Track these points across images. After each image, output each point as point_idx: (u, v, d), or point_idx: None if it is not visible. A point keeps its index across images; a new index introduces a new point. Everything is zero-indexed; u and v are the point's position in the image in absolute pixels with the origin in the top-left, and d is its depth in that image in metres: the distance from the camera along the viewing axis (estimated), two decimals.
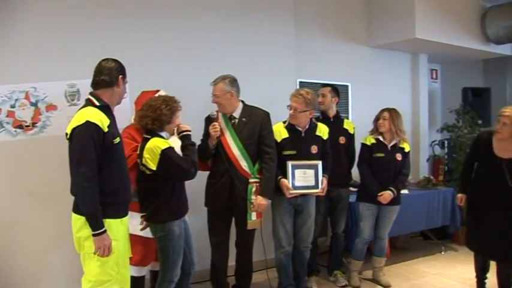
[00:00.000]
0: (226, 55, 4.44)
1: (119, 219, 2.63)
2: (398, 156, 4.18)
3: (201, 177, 3.72)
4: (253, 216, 3.59)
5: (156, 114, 2.97)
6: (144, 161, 2.94)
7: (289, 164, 3.70)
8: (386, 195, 4.08)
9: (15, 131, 3.59)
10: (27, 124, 3.62)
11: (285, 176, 3.70)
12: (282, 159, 3.72)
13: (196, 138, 3.73)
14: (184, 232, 3.12)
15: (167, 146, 2.92)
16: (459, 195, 3.96)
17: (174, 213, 3.04)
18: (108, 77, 2.66)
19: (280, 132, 3.80)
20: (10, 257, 3.59)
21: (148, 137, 2.98)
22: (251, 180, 3.59)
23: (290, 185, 3.68)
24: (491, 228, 3.56)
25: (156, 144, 2.90)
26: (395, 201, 4.18)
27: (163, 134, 3.04)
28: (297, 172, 3.71)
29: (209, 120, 3.64)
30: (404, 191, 4.69)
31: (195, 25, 4.34)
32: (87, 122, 2.48)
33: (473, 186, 3.83)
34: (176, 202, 3.06)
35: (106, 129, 2.53)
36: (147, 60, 4.02)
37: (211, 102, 3.63)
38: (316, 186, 3.76)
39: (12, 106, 3.57)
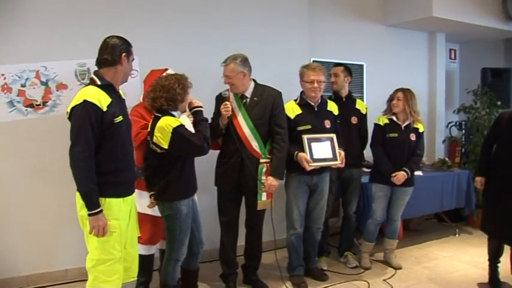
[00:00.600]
0: (238, 34, 4.39)
1: (121, 199, 2.61)
2: (412, 137, 4.10)
3: (212, 156, 3.70)
4: (264, 196, 3.56)
5: (170, 94, 2.94)
6: (155, 140, 2.92)
7: (305, 137, 3.65)
8: (399, 176, 4.01)
9: (26, 110, 3.62)
10: (37, 103, 3.65)
11: (302, 151, 3.65)
12: (296, 134, 3.69)
13: (208, 116, 3.73)
14: (192, 211, 3.11)
15: (178, 123, 2.90)
16: (478, 178, 3.86)
17: (183, 192, 3.04)
18: (110, 55, 2.61)
19: (293, 109, 3.78)
20: (22, 234, 3.66)
21: (159, 115, 2.95)
22: (262, 160, 3.55)
23: (309, 158, 3.63)
24: (507, 211, 3.50)
25: (167, 123, 2.87)
26: (409, 183, 4.12)
27: (175, 113, 3.02)
28: (314, 145, 3.67)
29: (220, 99, 3.59)
30: (418, 173, 4.65)
31: (206, 3, 4.29)
32: (85, 101, 2.46)
33: (491, 168, 3.74)
34: (185, 181, 3.04)
35: (105, 109, 2.50)
36: (158, 38, 4.01)
37: (224, 83, 3.58)
38: (334, 158, 3.72)
39: (23, 85, 3.60)
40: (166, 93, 2.94)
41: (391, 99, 4.17)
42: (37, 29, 3.60)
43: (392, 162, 4.07)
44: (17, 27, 3.54)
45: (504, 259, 3.75)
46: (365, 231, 4.30)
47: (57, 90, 3.68)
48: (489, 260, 3.82)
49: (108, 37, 2.67)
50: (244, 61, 3.55)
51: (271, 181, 3.53)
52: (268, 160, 3.58)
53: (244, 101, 3.60)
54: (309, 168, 3.63)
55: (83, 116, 2.45)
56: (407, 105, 4.06)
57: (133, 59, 2.75)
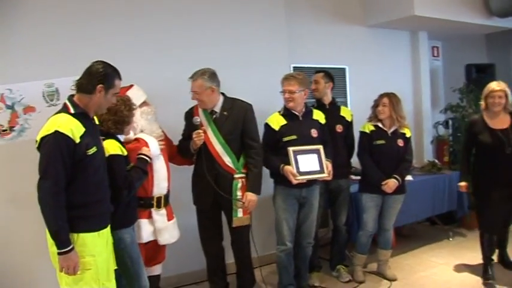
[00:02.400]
0: (213, 43, 4.21)
1: (95, 233, 2.43)
2: (400, 142, 3.97)
3: (188, 172, 3.62)
4: (240, 213, 3.43)
5: (117, 116, 2.80)
6: None
7: (291, 150, 3.50)
8: (390, 184, 3.87)
9: None
10: (4, 128, 3.43)
11: (288, 164, 3.50)
12: (282, 146, 3.56)
13: (178, 135, 3.63)
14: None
15: (118, 152, 2.74)
16: (462, 183, 4.06)
17: (124, 220, 2.82)
18: (85, 81, 2.43)
19: (277, 120, 3.64)
20: (2, 262, 3.46)
21: (103, 138, 2.74)
22: (236, 175, 3.43)
23: (295, 171, 3.47)
24: (499, 207, 3.78)
25: (106, 147, 2.67)
26: (400, 190, 3.98)
27: (120, 136, 2.87)
28: (300, 158, 3.52)
29: (190, 118, 3.45)
30: (408, 177, 4.49)
31: (180, 8, 4.10)
32: (56, 132, 2.27)
33: (474, 169, 3.99)
34: (124, 209, 2.81)
35: (78, 140, 2.32)
36: (125, 51, 3.78)
37: (191, 99, 3.43)
38: (321, 171, 3.57)
39: None
40: (114, 115, 2.79)
41: (376, 105, 4.03)
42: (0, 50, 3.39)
43: (381, 170, 3.93)
44: None
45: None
46: (357, 243, 4.14)
47: (25, 114, 3.46)
48: (485, 257, 3.91)
49: (95, 62, 2.48)
50: (213, 76, 3.40)
51: (250, 197, 3.41)
52: (243, 175, 3.46)
53: (214, 116, 3.46)
54: (295, 182, 3.48)
55: (54, 148, 2.27)
56: (393, 111, 3.92)
57: (116, 93, 2.54)
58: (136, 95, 3.20)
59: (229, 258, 3.75)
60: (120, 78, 2.54)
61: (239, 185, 3.42)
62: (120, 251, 2.76)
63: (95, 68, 2.44)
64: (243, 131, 3.46)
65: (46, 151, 2.29)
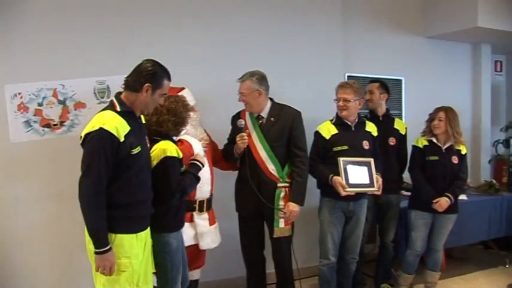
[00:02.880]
0: (267, 48, 4.18)
1: (133, 235, 2.39)
2: (455, 159, 3.78)
3: (232, 178, 3.57)
4: (281, 223, 3.34)
5: (178, 117, 2.74)
6: None
7: (341, 160, 3.39)
8: (442, 202, 3.68)
9: (43, 130, 3.48)
10: (54, 123, 3.50)
11: (337, 175, 3.39)
12: (331, 156, 3.46)
13: (225, 139, 3.59)
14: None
15: (175, 155, 2.65)
16: None
17: (171, 224, 2.76)
18: (132, 80, 2.40)
19: (328, 129, 3.55)
20: (38, 258, 3.52)
21: (158, 138, 2.70)
22: (279, 184, 3.35)
23: (344, 182, 3.36)
24: None
25: (165, 148, 2.63)
26: (452, 210, 3.78)
27: (175, 138, 2.83)
28: (350, 169, 3.41)
29: (236, 123, 3.40)
30: (462, 197, 4.31)
31: (230, 16, 4.08)
32: (101, 129, 2.24)
33: None
34: (174, 213, 2.76)
35: (122, 139, 2.28)
36: (177, 54, 3.77)
37: (238, 101, 3.38)
38: (371, 185, 3.44)
39: (40, 104, 3.46)
40: (174, 116, 2.74)
41: (431, 119, 3.85)
42: (55, 46, 3.46)
43: (433, 187, 3.75)
44: (34, 44, 3.42)
45: None
46: (403, 263, 3.97)
47: (75, 110, 3.53)
48: None
49: (145, 60, 2.46)
50: (262, 79, 3.34)
51: (292, 207, 3.31)
52: (286, 184, 3.37)
53: (260, 121, 3.40)
54: (343, 194, 3.36)
55: (97, 145, 2.24)
56: (449, 126, 3.74)
57: (164, 94, 2.50)
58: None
59: (270, 268, 3.66)
60: (169, 79, 2.50)
61: (282, 194, 3.33)
62: (164, 254, 2.71)
63: (144, 66, 2.42)
64: (289, 139, 3.38)
65: (90, 148, 2.26)
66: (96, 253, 2.26)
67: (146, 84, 2.38)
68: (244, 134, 3.29)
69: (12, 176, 3.44)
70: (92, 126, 2.28)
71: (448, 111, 3.77)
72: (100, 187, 2.23)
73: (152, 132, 2.73)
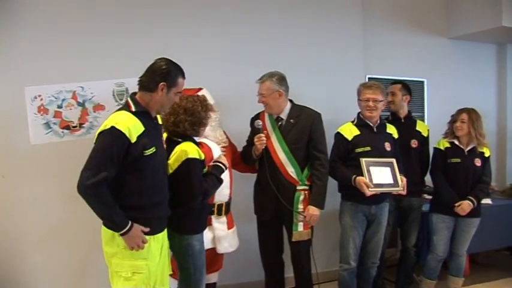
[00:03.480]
0: (286, 49, 4.14)
1: (150, 237, 2.38)
2: (477, 162, 3.70)
3: (251, 180, 3.55)
4: (300, 226, 3.30)
5: (195, 117, 2.70)
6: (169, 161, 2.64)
7: (363, 161, 3.34)
8: (464, 206, 3.60)
9: (62, 131, 3.50)
10: (74, 125, 3.52)
11: (359, 176, 3.33)
12: (353, 158, 3.41)
13: (244, 141, 3.57)
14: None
15: (196, 156, 2.61)
16: None
17: (194, 226, 2.73)
18: (147, 79, 2.39)
19: (350, 130, 3.50)
20: (58, 258, 3.55)
21: (179, 140, 2.67)
22: (299, 187, 3.30)
23: (369, 182, 3.30)
24: None
25: (185, 149, 2.59)
26: (475, 213, 3.69)
27: (196, 138, 2.78)
28: (373, 169, 3.36)
29: (254, 124, 3.37)
30: (487, 201, 4.24)
31: (250, 16, 4.06)
32: (113, 128, 2.23)
33: None
34: (197, 214, 2.73)
35: (134, 139, 2.25)
36: (195, 54, 3.79)
37: (258, 102, 3.35)
38: (396, 184, 3.38)
39: (59, 106, 3.48)
40: (191, 116, 2.70)
41: (453, 121, 3.78)
42: (74, 48, 3.50)
43: (455, 190, 3.68)
44: (54, 47, 3.47)
45: None
46: (425, 268, 3.88)
47: (94, 112, 3.54)
48: None
49: (159, 59, 2.44)
50: (281, 80, 3.31)
51: (312, 211, 3.27)
52: (306, 187, 3.32)
53: (279, 123, 3.36)
54: (369, 193, 3.28)
55: (106, 142, 2.24)
56: (472, 128, 3.66)
57: (179, 92, 2.48)
58: None
59: (289, 272, 3.61)
60: (183, 77, 2.47)
61: (301, 197, 3.29)
62: (187, 256, 2.69)
63: (157, 65, 2.40)
64: (309, 141, 3.33)
65: (97, 144, 2.26)
66: (121, 235, 2.26)
67: (161, 83, 2.36)
68: (262, 134, 3.25)
69: (32, 177, 3.47)
70: (105, 125, 2.28)
71: (471, 112, 3.69)
72: (98, 179, 2.17)
73: (171, 133, 2.71)
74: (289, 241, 3.41)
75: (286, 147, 3.29)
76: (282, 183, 3.29)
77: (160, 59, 2.44)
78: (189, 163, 2.57)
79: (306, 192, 3.31)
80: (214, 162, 2.84)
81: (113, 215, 2.24)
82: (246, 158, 3.44)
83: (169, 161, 2.62)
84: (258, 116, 3.44)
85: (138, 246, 2.29)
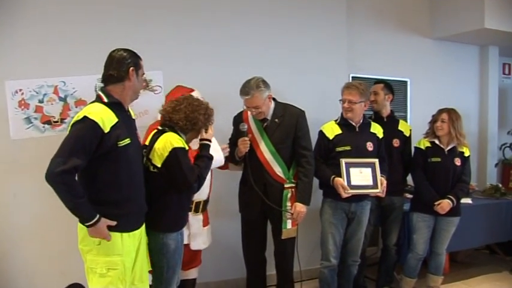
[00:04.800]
0: (270, 49, 4.14)
1: (125, 234, 2.35)
2: (457, 161, 3.74)
3: (235, 178, 3.52)
4: (289, 224, 3.30)
5: (193, 116, 2.66)
6: (151, 155, 2.61)
7: (343, 161, 3.35)
8: (444, 204, 3.64)
9: (44, 126, 3.43)
10: (55, 120, 3.46)
11: (339, 176, 3.35)
12: (334, 156, 3.42)
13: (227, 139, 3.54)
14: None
15: (181, 145, 2.57)
16: None
17: (171, 224, 2.68)
18: (116, 71, 2.38)
19: (332, 129, 3.51)
20: (40, 254, 3.52)
21: (166, 129, 2.64)
22: (286, 185, 3.30)
23: (346, 184, 3.32)
24: None
25: (169, 139, 2.55)
26: (455, 212, 3.74)
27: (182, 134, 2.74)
28: (352, 171, 3.37)
29: (238, 124, 3.35)
30: (467, 200, 4.30)
31: (234, 16, 4.04)
32: (85, 117, 2.22)
33: None
34: (174, 212, 2.68)
35: (107, 130, 2.24)
36: (183, 53, 3.79)
37: (251, 114, 3.32)
38: (374, 186, 3.39)
39: (41, 101, 3.41)
40: (191, 112, 2.67)
41: (434, 120, 3.82)
42: (55, 42, 3.46)
43: (435, 189, 3.72)
44: (35, 41, 3.43)
45: None
46: (405, 266, 3.92)
47: (76, 107, 3.47)
48: None
49: (114, 50, 2.45)
50: (265, 83, 3.27)
51: (299, 208, 3.27)
52: (293, 185, 3.33)
53: (265, 124, 3.34)
54: (344, 196, 3.32)
55: (78, 131, 2.21)
56: (452, 128, 3.71)
57: (143, 73, 2.51)
58: None
59: (270, 270, 3.62)
60: (141, 59, 2.51)
61: (289, 195, 3.29)
62: (161, 255, 2.66)
63: (118, 55, 2.41)
64: (294, 139, 3.33)
65: (70, 133, 2.24)
66: (87, 227, 2.23)
67: (131, 69, 2.39)
68: (246, 138, 3.24)
69: (12, 173, 3.44)
70: (78, 116, 2.27)
71: (451, 112, 3.73)
72: (68, 167, 2.14)
73: (167, 123, 2.67)
74: (274, 238, 3.42)
75: (272, 148, 3.28)
76: (270, 182, 3.28)
77: (114, 50, 2.44)
78: (176, 152, 2.52)
79: (293, 189, 3.31)
80: (200, 141, 2.79)
81: (81, 205, 2.21)
82: (227, 157, 3.39)
83: (156, 147, 2.57)
84: (241, 115, 3.43)
85: (103, 238, 2.27)
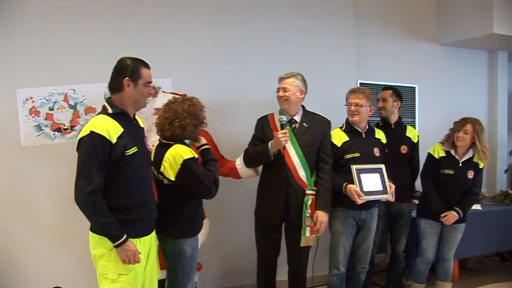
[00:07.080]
0: (278, 55, 4.15)
1: (136, 239, 2.38)
2: (470, 174, 3.69)
3: (248, 184, 3.53)
4: (308, 232, 3.25)
5: (198, 119, 2.69)
6: (162, 169, 2.63)
7: (354, 168, 3.32)
8: (450, 217, 3.64)
9: (54, 134, 3.51)
10: (65, 127, 3.54)
11: (350, 183, 3.33)
12: (343, 164, 3.40)
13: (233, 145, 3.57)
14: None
15: (191, 156, 2.60)
16: None
17: (187, 230, 2.72)
18: (114, 81, 2.42)
19: (339, 136, 3.49)
20: (51, 262, 3.55)
21: (171, 143, 2.66)
22: (308, 191, 3.27)
23: (359, 191, 3.30)
24: None
25: (178, 152, 2.58)
26: (460, 219, 3.71)
27: (186, 141, 2.76)
28: (363, 177, 3.34)
29: (265, 124, 3.36)
30: (476, 207, 4.28)
31: (248, 23, 4.08)
32: (92, 132, 2.26)
33: None
34: (190, 218, 2.72)
35: (114, 140, 2.29)
36: (191, 59, 3.81)
37: (277, 97, 3.31)
38: (384, 191, 3.37)
39: (51, 109, 3.50)
40: (196, 119, 2.69)
41: (456, 130, 3.70)
42: (65, 51, 3.50)
43: (443, 199, 3.69)
44: (46, 49, 3.46)
45: None
46: (414, 271, 3.91)
47: (86, 114, 3.55)
48: None
49: (120, 59, 2.46)
50: (305, 81, 3.35)
51: (322, 217, 3.24)
52: (313, 192, 3.30)
53: (293, 125, 3.33)
54: (359, 202, 3.28)
55: (89, 148, 2.26)
56: (478, 141, 3.61)
57: (147, 82, 2.47)
58: None
59: (279, 276, 3.59)
60: (146, 67, 2.47)
61: (309, 202, 3.26)
62: (177, 261, 2.69)
63: (117, 64, 2.44)
64: (320, 146, 3.34)
65: (82, 152, 2.28)
66: (115, 247, 2.28)
67: (125, 79, 2.38)
68: (287, 130, 3.18)
69: (23, 180, 3.46)
70: (84, 131, 2.31)
71: (476, 124, 3.63)
72: (93, 187, 2.22)
73: (168, 137, 2.68)
74: (288, 245, 3.38)
75: (300, 151, 3.26)
76: (292, 186, 3.25)
77: (121, 59, 2.46)
78: (188, 164, 2.56)
79: (313, 197, 3.29)
80: (199, 148, 2.82)
81: (109, 225, 2.27)
82: (254, 156, 3.34)
83: (163, 165, 2.60)
84: (266, 117, 3.42)
85: (130, 260, 2.31)
